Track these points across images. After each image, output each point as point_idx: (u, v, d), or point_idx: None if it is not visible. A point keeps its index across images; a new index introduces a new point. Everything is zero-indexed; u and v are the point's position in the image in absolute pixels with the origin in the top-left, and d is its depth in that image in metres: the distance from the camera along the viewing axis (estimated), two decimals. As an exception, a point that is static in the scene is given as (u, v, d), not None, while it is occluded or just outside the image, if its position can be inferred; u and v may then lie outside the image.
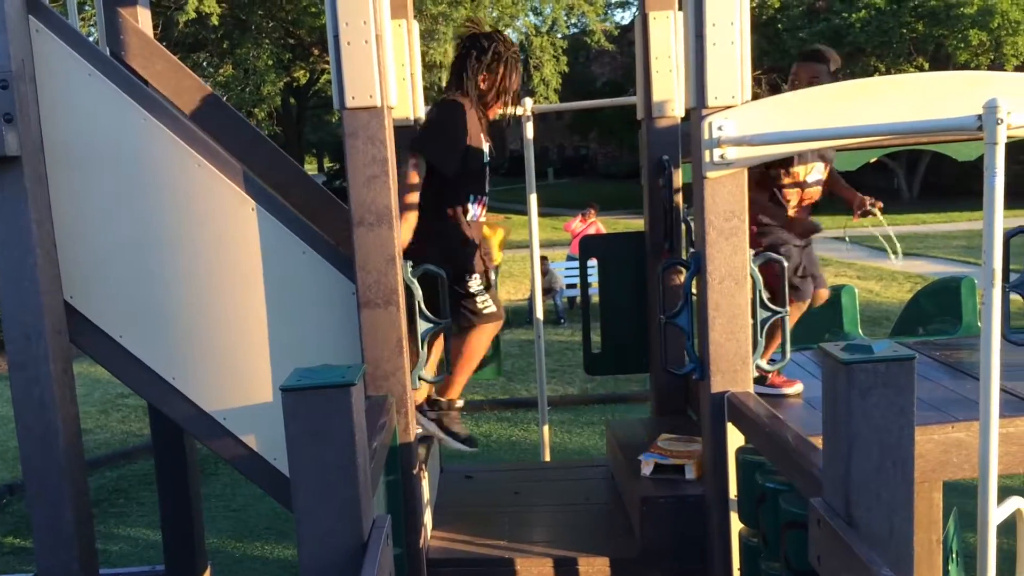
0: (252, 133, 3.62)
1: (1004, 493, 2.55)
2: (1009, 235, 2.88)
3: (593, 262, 3.80)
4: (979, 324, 3.68)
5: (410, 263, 2.78)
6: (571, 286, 12.72)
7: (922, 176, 25.46)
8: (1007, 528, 2.45)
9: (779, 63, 25.18)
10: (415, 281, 2.75)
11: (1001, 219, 2.21)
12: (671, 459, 3.06)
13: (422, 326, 2.79)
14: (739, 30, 2.61)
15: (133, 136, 2.81)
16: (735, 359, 2.71)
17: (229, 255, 2.82)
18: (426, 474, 3.02)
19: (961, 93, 2.52)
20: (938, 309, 3.98)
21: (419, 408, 3.25)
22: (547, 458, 4.39)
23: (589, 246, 3.88)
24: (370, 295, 2.65)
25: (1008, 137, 2.30)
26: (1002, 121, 2.17)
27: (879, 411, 1.75)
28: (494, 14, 22.79)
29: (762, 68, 25.43)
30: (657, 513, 2.84)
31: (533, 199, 4.22)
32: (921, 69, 22.53)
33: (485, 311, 3.19)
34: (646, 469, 3.06)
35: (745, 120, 2.63)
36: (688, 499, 2.86)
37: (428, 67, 21.64)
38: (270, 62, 21.06)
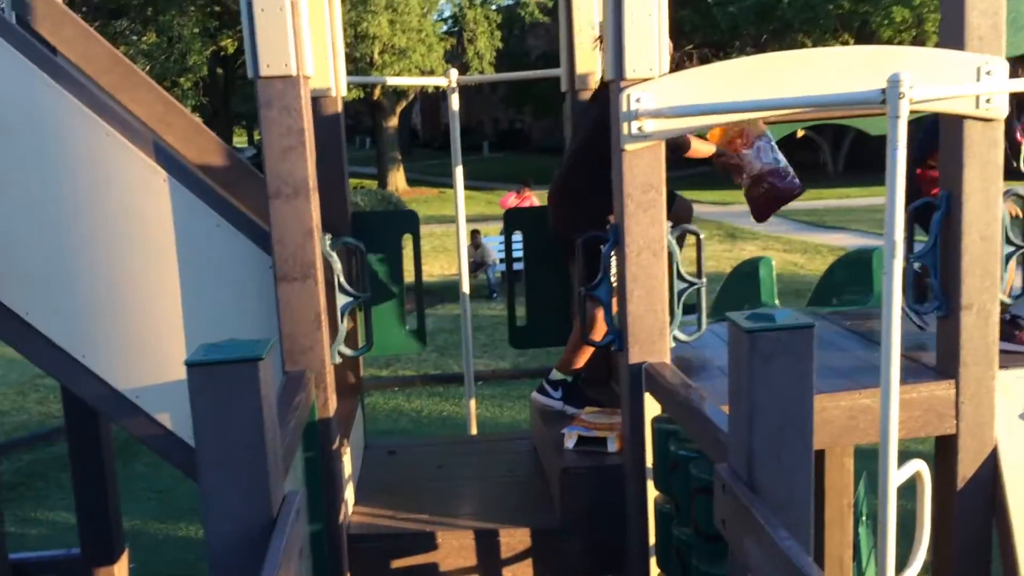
0: (166, 102, 3.51)
1: (907, 457, 2.64)
2: (914, 206, 2.98)
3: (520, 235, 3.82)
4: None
5: (329, 235, 2.74)
6: (517, 259, 12.74)
7: (847, 151, 26.09)
8: (912, 491, 2.54)
9: (710, 37, 25.49)
10: (334, 254, 2.72)
11: (903, 192, 2.27)
12: (594, 431, 3.09)
13: (341, 300, 2.76)
14: (657, 2, 2.62)
15: (36, 103, 2.71)
16: (653, 330, 2.75)
17: (140, 228, 2.75)
18: (347, 449, 3.01)
19: (869, 68, 2.58)
20: (851, 280, 4.10)
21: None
22: (474, 432, 4.41)
23: (513, 219, 3.88)
24: (287, 269, 2.61)
25: (911, 112, 2.37)
26: (904, 95, 2.23)
27: (780, 378, 1.80)
28: (429, -15, 22.55)
29: (693, 43, 25.71)
30: (576, 484, 2.88)
31: (459, 172, 4.20)
32: (847, 44, 23.03)
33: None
34: (569, 442, 3.09)
35: (663, 93, 2.64)
36: (607, 469, 2.90)
37: (360, 38, 21.32)
38: (196, 30, 20.48)
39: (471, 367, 4.36)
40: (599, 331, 3.04)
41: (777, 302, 4.03)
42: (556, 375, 3.47)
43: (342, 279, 2.75)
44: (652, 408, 2.73)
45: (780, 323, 1.80)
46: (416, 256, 3.54)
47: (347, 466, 2.99)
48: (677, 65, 2.92)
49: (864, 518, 4.40)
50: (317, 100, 3.36)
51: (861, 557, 4.31)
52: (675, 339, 2.84)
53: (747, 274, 4.08)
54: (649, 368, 2.71)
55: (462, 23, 22.92)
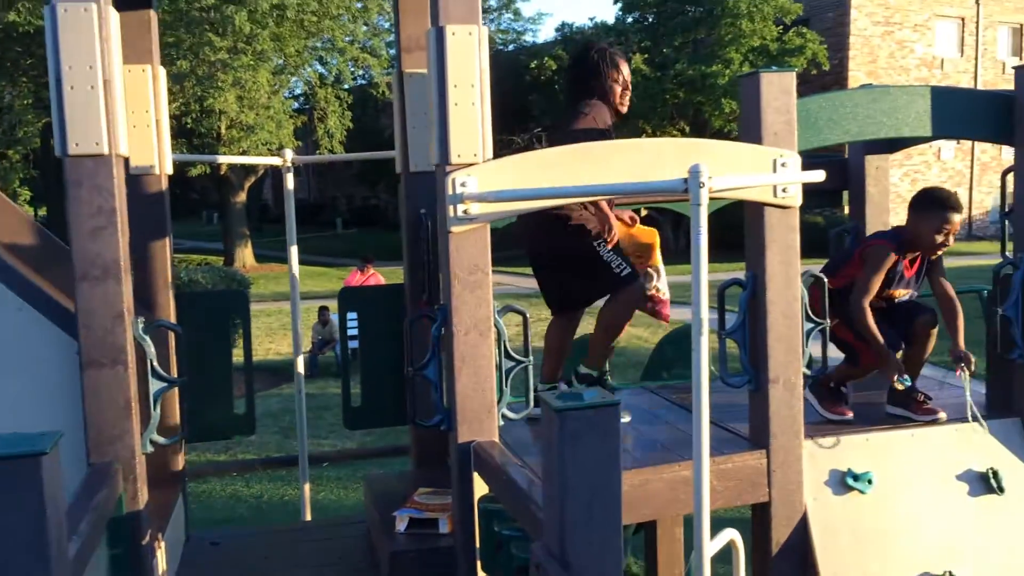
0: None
1: (737, 523, 2.75)
2: (723, 286, 3.17)
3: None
4: (713, 369, 3.99)
5: (142, 318, 2.64)
6: (353, 337, 12.52)
7: (686, 229, 27.47)
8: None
9: (558, 121, 26.52)
10: (147, 338, 2.61)
11: (706, 272, 2.42)
12: (426, 513, 3.06)
13: (155, 385, 2.64)
14: (479, 92, 2.72)
15: None
16: (481, 409, 2.78)
17: (-68, 312, 2.56)
18: (162, 544, 2.84)
19: (677, 158, 2.76)
20: (678, 354, 4.29)
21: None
22: (308, 517, 4.27)
23: (348, 298, 3.86)
24: (94, 354, 2.49)
25: (712, 198, 2.54)
26: (704, 184, 2.40)
27: (588, 455, 1.85)
28: (280, 62, 22.49)
29: (542, 125, 26.68)
30: (406, 568, 2.83)
31: (294, 251, 4.15)
32: (683, 132, 24.50)
33: (622, 273, 3.40)
34: (400, 525, 3.04)
35: (486, 177, 2.73)
36: (439, 552, 2.87)
37: (206, 113, 20.92)
38: (28, 101, 19.52)
39: (305, 449, 4.25)
40: None
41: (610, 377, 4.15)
42: (583, 369, 3.63)
43: (155, 363, 2.64)
44: (482, 488, 2.75)
45: (588, 402, 1.86)
46: (246, 337, 3.46)
47: (162, 562, 2.82)
48: (527, 146, 3.06)
49: (697, 586, 4.51)
50: (138, 178, 3.26)
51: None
52: (503, 417, 2.87)
53: (580, 350, 4.18)
54: (477, 447, 2.72)
55: (313, 102, 22.91)
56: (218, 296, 3.83)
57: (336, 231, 39.84)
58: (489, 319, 2.77)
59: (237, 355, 3.61)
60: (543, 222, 3.39)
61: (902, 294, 3.51)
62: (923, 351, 3.55)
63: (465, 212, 2.72)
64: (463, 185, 2.70)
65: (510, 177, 2.73)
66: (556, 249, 3.50)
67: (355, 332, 3.99)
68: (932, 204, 3.41)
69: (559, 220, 3.40)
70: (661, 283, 3.91)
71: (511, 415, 2.89)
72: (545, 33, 39.15)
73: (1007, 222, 3.54)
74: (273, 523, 6.44)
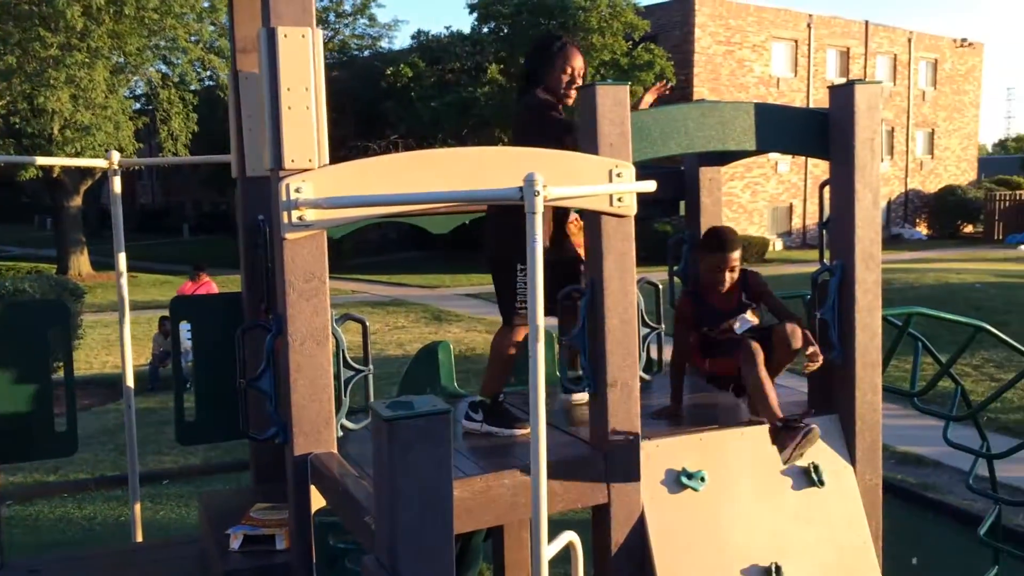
0: None
1: (568, 527, 2.80)
2: (562, 294, 3.23)
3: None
4: (557, 373, 4.06)
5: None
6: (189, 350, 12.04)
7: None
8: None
9: (414, 128, 26.44)
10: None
11: (541, 279, 2.45)
12: (262, 529, 2.97)
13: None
14: (314, 96, 2.67)
15: None
16: (318, 420, 2.71)
17: None
18: (-33, 575, 2.63)
19: (515, 167, 2.79)
20: (525, 360, 4.33)
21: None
22: (139, 539, 4.04)
23: (180, 308, 3.69)
24: None
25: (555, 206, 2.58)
26: (539, 193, 2.44)
27: (419, 464, 1.84)
28: (119, 60, 21.36)
29: (399, 134, 26.53)
30: (239, 587, 2.73)
31: (122, 258, 3.93)
32: (538, 142, 24.87)
33: (519, 309, 3.37)
34: (234, 543, 2.93)
35: (322, 183, 2.68)
36: (275, 569, 2.78)
37: (37, 112, 19.62)
38: None
39: (136, 466, 4.03)
40: None
41: (456, 384, 4.16)
42: (477, 398, 3.53)
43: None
44: (320, 501, 2.68)
45: (418, 411, 1.85)
46: (67, 351, 3.24)
47: (-33, 595, 2.60)
48: (383, 153, 3.01)
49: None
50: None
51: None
52: (342, 428, 2.82)
53: (427, 358, 4.18)
54: (314, 460, 2.66)
55: (155, 103, 21.87)
56: (32, 308, 3.56)
57: (183, 237, 38.22)
58: (326, 328, 2.71)
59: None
60: (498, 224, 3.42)
61: (735, 325, 3.64)
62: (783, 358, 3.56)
63: (300, 218, 2.66)
64: (297, 191, 2.64)
65: (347, 183, 2.68)
66: (492, 252, 3.53)
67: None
68: (706, 246, 3.68)
69: (508, 226, 3.34)
70: None
71: (351, 425, 2.84)
72: (401, 40, 38.99)
73: (825, 231, 3.77)
74: (105, 546, 6.08)
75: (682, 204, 4.52)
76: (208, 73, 23.66)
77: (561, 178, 2.87)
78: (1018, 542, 6.11)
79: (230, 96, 3.61)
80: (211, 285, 12.35)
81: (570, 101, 3.61)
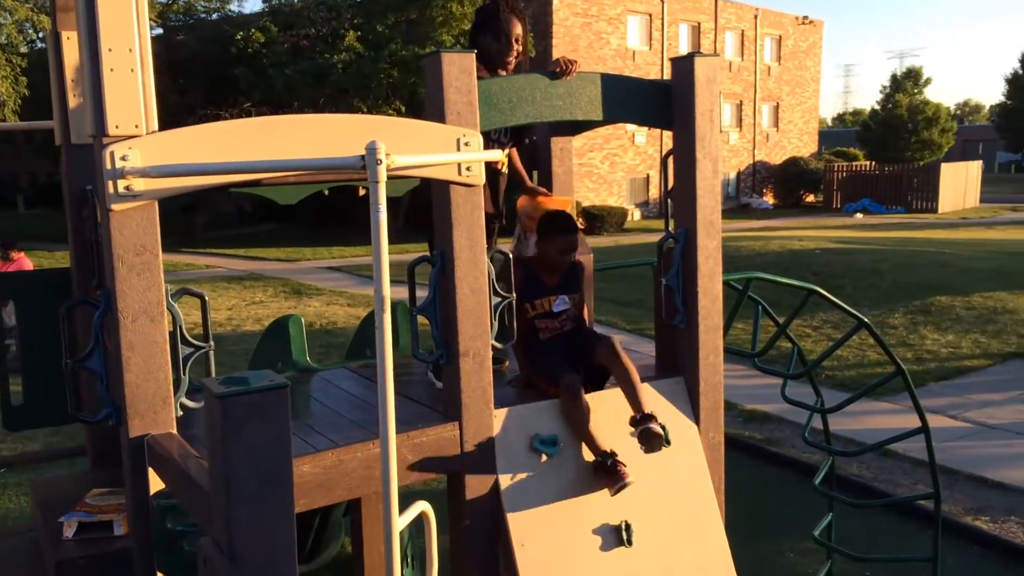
0: None
1: (424, 497, 2.79)
2: (412, 264, 3.20)
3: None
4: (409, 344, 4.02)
5: None
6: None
7: (406, 206, 27.69)
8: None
9: (267, 97, 25.53)
10: None
11: (387, 250, 2.41)
12: (98, 515, 2.82)
13: None
14: (139, 57, 2.51)
15: None
16: (155, 400, 2.59)
17: None
18: None
19: (360, 135, 2.72)
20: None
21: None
22: (-35, 533, 3.77)
23: (2, 286, 3.44)
24: None
25: (399, 176, 2.54)
26: (381, 161, 2.38)
27: (255, 441, 1.78)
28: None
29: (252, 101, 25.55)
30: (73, 577, 2.59)
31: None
32: (399, 112, 24.59)
33: None
34: (68, 531, 2.77)
35: (150, 151, 2.53)
36: (113, 556, 2.65)
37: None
38: None
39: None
40: None
41: (308, 358, 4.07)
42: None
43: None
44: (158, 485, 2.57)
45: (253, 386, 1.78)
46: None
47: None
48: None
49: (409, 559, 4.58)
50: None
51: (406, 599, 4.47)
52: (182, 407, 2.70)
53: (278, 332, 4.06)
54: (151, 441, 2.54)
55: (-20, 65, 20.24)
56: None
57: (18, 211, 35.70)
58: (161, 303, 2.58)
59: None
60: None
61: (554, 301, 3.70)
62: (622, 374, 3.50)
63: (127, 188, 2.51)
64: (124, 159, 2.49)
65: (178, 151, 2.55)
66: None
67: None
68: (560, 228, 3.71)
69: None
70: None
71: (191, 404, 2.73)
72: (252, 3, 37.49)
73: (670, 200, 3.89)
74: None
75: (535, 174, 4.56)
76: (40, 35, 22.05)
77: (407, 147, 2.83)
78: (850, 490, 6.58)
79: (50, 58, 3.36)
80: (25, 262, 11.55)
81: (505, 71, 3.69)
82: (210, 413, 1.80)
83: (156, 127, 2.55)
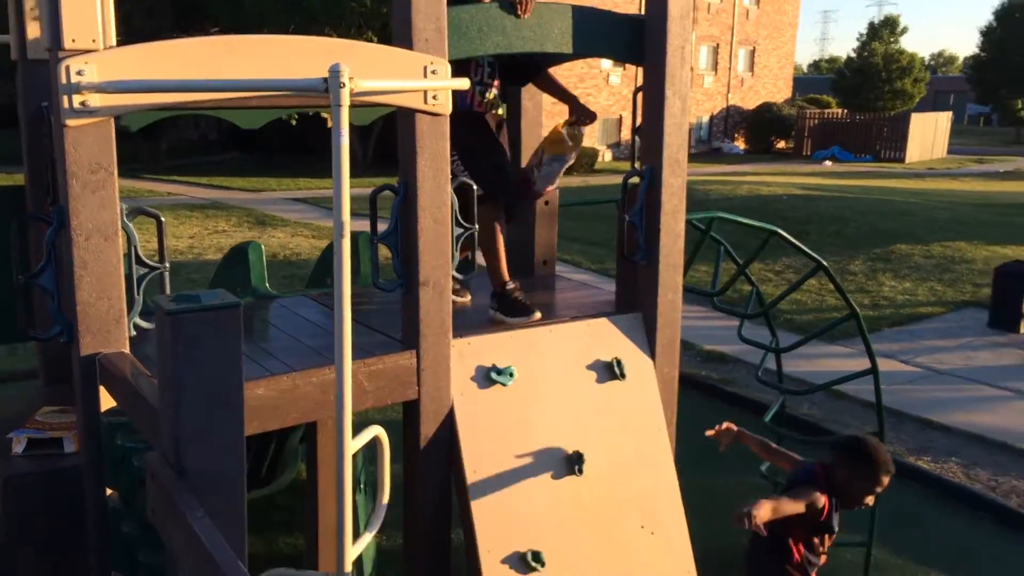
0: None
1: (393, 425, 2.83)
2: (374, 193, 3.19)
3: None
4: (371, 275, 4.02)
5: None
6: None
7: (375, 142, 27.36)
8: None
9: (238, 22, 24.85)
10: None
11: (348, 174, 2.40)
12: (48, 432, 2.82)
13: None
14: (99, -33, 2.44)
15: None
16: (107, 319, 2.58)
17: None
18: None
19: (320, 57, 2.68)
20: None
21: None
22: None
23: (-46, 202, 3.37)
24: None
25: (366, 104, 2.50)
26: (344, 85, 2.35)
27: (206, 359, 1.79)
28: None
29: (220, 26, 24.87)
30: (24, 493, 2.60)
31: None
32: (370, 40, 24.02)
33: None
34: (18, 447, 2.78)
35: (108, 66, 2.48)
36: (63, 472, 2.66)
37: None
38: None
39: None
40: None
41: (268, 285, 4.06)
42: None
43: None
44: (110, 403, 2.57)
45: (204, 304, 1.78)
46: None
47: None
48: None
49: (362, 486, 4.64)
50: None
51: (360, 523, 4.54)
52: (136, 327, 2.70)
53: (237, 259, 4.04)
54: (103, 359, 2.54)
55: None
56: None
57: (-25, 131, 34.71)
58: (115, 223, 2.56)
59: None
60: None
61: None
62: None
63: (83, 104, 2.46)
64: (80, 74, 2.43)
65: (137, 67, 2.49)
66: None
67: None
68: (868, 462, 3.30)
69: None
70: (542, 171, 4.02)
71: (144, 325, 2.72)
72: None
73: (637, 137, 3.89)
74: None
75: (505, 107, 4.52)
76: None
77: (372, 72, 2.80)
78: (800, 429, 6.75)
79: (4, -35, 3.25)
80: None
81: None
82: (161, 330, 1.80)
83: (114, 42, 2.50)
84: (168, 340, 1.76)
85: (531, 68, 4.04)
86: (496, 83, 3.87)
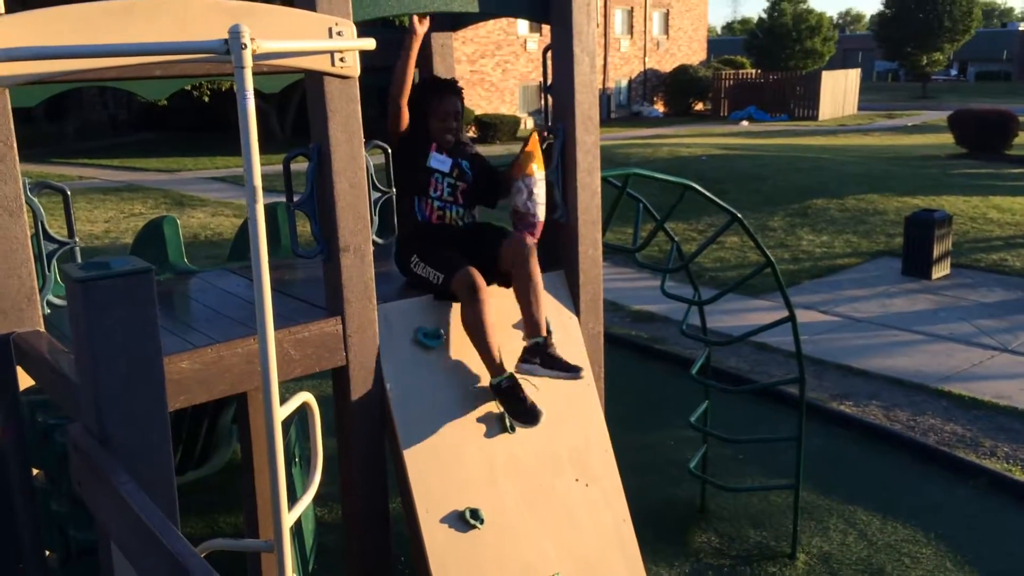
0: None
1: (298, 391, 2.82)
2: (287, 158, 3.15)
3: None
4: (286, 244, 3.98)
5: None
6: None
7: (293, 115, 26.84)
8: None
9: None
10: None
11: (256, 139, 2.36)
12: (-35, 418, 2.73)
13: None
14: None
15: None
16: (18, 297, 2.51)
17: None
18: None
19: (222, 19, 2.62)
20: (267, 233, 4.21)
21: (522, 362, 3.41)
22: None
23: None
24: None
25: (273, 72, 2.46)
26: (246, 46, 2.31)
27: (121, 326, 1.76)
28: None
29: None
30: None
31: None
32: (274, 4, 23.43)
33: (438, 282, 3.42)
34: (-67, 435, 2.68)
35: (-3, 34, 2.38)
36: (-17, 457, 2.59)
37: None
38: None
39: None
40: None
41: (186, 260, 3.98)
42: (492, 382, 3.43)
43: None
44: (29, 382, 2.51)
45: (115, 270, 1.75)
46: None
47: None
48: None
49: (297, 459, 4.62)
50: None
51: (297, 496, 4.53)
52: (49, 305, 2.63)
53: (152, 235, 3.95)
54: (18, 339, 2.47)
55: None
56: None
57: None
58: (19, 197, 2.48)
59: None
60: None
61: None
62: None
63: (-28, 74, 2.36)
64: (-34, 42, 2.34)
65: (28, 34, 2.40)
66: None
67: None
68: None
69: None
70: (533, 198, 3.57)
71: (58, 302, 2.65)
72: None
73: (549, 96, 3.91)
74: None
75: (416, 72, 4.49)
76: None
77: (276, 34, 2.76)
78: (726, 380, 6.95)
79: None
80: None
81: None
82: (72, 299, 1.76)
83: (3, 9, 2.40)
84: (80, 309, 1.73)
85: (491, 173, 3.80)
86: (459, 201, 3.66)
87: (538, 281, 3.44)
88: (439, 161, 3.59)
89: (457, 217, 3.65)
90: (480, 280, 3.35)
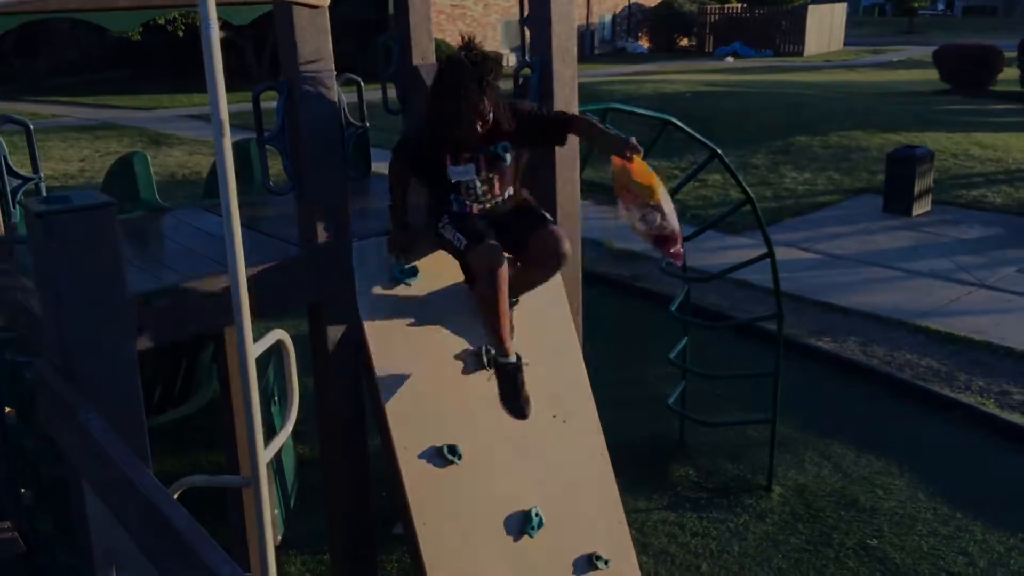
0: None
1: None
2: (256, 92, 3.09)
3: None
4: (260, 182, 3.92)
5: None
6: None
7: (270, 52, 26.30)
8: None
9: None
10: None
11: (221, 68, 2.29)
12: (-65, 357, 2.71)
13: None
14: None
15: None
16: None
17: None
18: None
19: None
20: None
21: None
22: None
23: None
24: None
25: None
26: (211, -27, 2.23)
27: (84, 260, 1.73)
28: None
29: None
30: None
31: None
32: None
33: (460, 247, 3.14)
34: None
35: (-49, -39, 2.30)
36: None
37: None
38: None
39: None
40: None
41: (158, 196, 3.92)
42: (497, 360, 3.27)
43: None
44: None
45: (77, 204, 1.72)
46: None
47: None
48: None
49: (276, 398, 4.63)
50: None
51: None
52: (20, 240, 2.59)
53: (122, 172, 3.88)
54: (-16, 278, 2.43)
55: None
56: None
57: None
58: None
59: None
60: None
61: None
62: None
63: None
64: (-80, -31, 2.25)
65: (-17, -40, 2.32)
66: None
67: None
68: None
69: None
70: (667, 219, 3.24)
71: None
72: None
73: (526, 28, 3.83)
74: None
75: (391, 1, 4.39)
76: None
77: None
78: (706, 317, 6.99)
79: None
80: None
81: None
82: (34, 234, 1.73)
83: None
84: (42, 243, 1.69)
85: (549, 126, 3.33)
86: (496, 192, 3.30)
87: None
88: (460, 172, 3.21)
89: (499, 204, 3.32)
90: (500, 258, 3.11)
